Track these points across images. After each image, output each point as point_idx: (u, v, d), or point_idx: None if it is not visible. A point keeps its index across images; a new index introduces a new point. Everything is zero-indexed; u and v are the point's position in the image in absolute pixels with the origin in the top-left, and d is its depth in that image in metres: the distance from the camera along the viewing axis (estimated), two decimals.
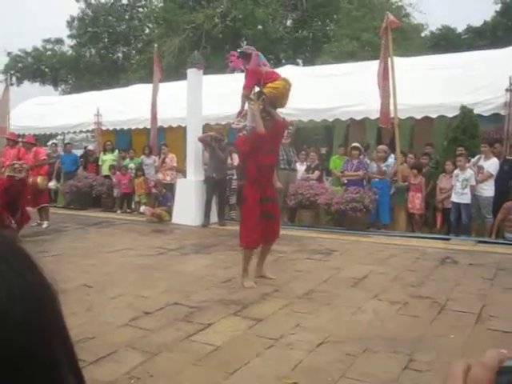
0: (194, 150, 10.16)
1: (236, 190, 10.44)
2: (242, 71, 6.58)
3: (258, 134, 5.58)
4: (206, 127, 11.24)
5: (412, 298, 4.99)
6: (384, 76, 9.39)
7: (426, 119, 10.33)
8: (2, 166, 10.87)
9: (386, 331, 4.12)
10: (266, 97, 5.74)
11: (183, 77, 10.78)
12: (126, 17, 31.26)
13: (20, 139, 10.88)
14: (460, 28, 29.91)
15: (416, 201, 9.19)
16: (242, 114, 6.20)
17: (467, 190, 8.42)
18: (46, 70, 31.38)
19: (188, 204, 9.92)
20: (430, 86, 10.16)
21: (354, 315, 4.55)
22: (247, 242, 5.69)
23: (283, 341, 3.94)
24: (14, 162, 8.98)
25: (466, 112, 9.20)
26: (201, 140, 9.99)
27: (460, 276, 5.88)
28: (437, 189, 9.17)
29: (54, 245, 8.12)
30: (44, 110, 17.00)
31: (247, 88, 5.97)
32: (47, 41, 31.99)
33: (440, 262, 6.62)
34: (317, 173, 10.50)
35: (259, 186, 5.72)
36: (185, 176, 10.64)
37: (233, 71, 11.68)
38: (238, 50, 6.38)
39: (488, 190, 8.49)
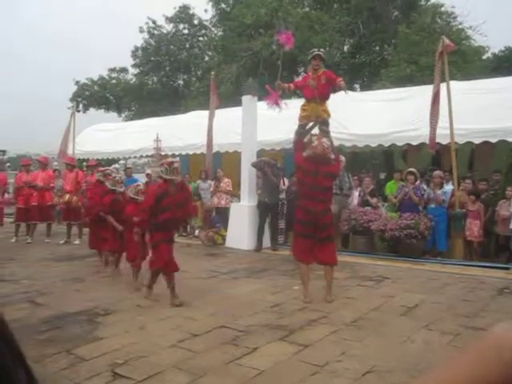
0: (247, 175, 10.30)
1: (286, 214, 10.49)
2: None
3: None
4: (261, 152, 11.39)
5: (465, 329, 4.83)
6: (435, 100, 9.23)
7: (487, 144, 10.00)
8: (63, 189, 11.65)
9: (435, 363, 3.99)
10: None
11: (241, 103, 11.00)
12: (187, 45, 32.26)
13: (79, 163, 11.72)
14: None
15: (474, 228, 8.89)
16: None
17: None
18: (111, 97, 32.73)
19: (241, 228, 10.04)
20: (490, 110, 9.84)
21: (403, 345, 4.46)
22: None
23: (328, 368, 3.91)
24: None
25: None
26: (254, 165, 10.12)
27: None
28: (496, 216, 8.86)
29: (109, 266, 8.40)
30: (107, 136, 17.74)
31: None
32: (112, 70, 33.44)
33: (498, 293, 6.37)
34: (375, 199, 10.38)
35: None
36: (240, 201, 10.78)
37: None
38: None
39: None
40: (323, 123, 6.66)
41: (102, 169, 8.95)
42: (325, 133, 6.46)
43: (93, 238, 8.52)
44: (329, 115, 6.80)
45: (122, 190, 7.50)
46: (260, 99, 10.76)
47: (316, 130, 6.74)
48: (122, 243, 7.20)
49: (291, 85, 7.12)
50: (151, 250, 6.24)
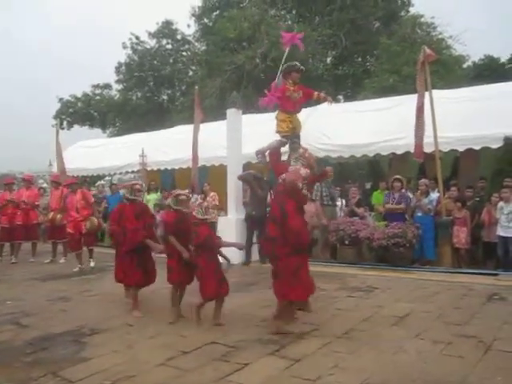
0: (234, 188, 10.26)
1: None
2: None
3: None
4: (248, 165, 11.37)
5: (456, 338, 4.80)
6: (419, 109, 9.30)
7: (471, 151, 10.05)
8: (49, 208, 11.53)
9: (428, 372, 3.96)
10: None
11: (225, 116, 10.99)
12: (171, 60, 32.39)
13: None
14: (504, 58, 29.38)
15: (461, 235, 8.93)
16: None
17: None
18: (95, 113, 32.70)
19: None
20: (473, 118, 9.94)
21: (395, 355, 4.41)
22: None
23: (321, 382, 3.85)
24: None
25: (509, 143, 8.96)
26: (240, 178, 10.10)
27: (508, 314, 5.63)
28: (485, 221, 8.89)
29: (97, 283, 8.30)
30: (92, 153, 17.63)
31: None
32: (96, 86, 33.45)
33: (487, 299, 6.37)
34: (362, 209, 10.39)
35: None
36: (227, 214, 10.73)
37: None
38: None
39: None
40: (295, 136, 6.69)
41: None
42: (297, 145, 6.46)
43: (122, 270, 6.64)
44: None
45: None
46: (244, 112, 10.80)
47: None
48: (188, 273, 5.89)
49: (273, 97, 7.05)
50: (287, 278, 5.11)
